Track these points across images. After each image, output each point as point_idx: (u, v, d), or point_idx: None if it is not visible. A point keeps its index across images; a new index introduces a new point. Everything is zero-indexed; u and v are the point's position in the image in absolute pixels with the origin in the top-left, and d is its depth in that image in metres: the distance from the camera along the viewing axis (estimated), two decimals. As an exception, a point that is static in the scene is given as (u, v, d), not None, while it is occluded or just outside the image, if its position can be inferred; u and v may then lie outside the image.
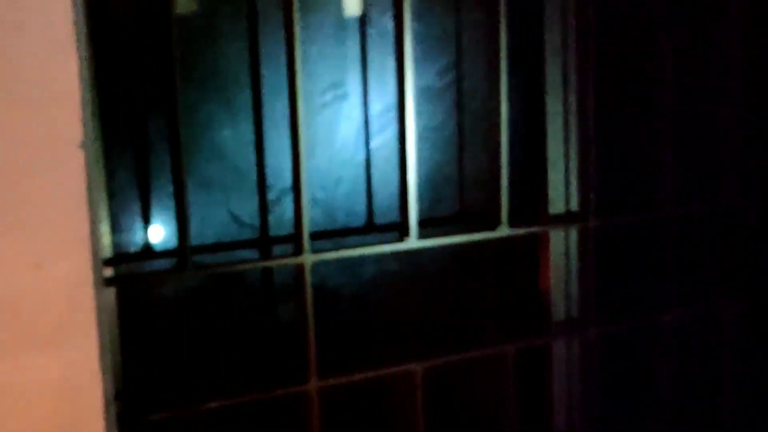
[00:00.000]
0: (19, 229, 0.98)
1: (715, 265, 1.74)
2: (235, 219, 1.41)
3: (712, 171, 1.70)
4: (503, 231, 1.50)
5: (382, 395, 1.50)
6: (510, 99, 1.48)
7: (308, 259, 1.36)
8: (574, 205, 1.59)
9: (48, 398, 1.01)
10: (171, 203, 1.34)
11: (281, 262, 1.37)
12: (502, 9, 1.46)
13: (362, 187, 1.48)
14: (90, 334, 1.02)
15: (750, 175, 1.69)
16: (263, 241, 1.43)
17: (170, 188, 1.33)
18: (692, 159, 1.68)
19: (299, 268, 1.36)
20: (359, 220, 1.49)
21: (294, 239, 1.37)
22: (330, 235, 1.46)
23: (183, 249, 1.29)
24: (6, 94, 0.96)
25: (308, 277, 1.36)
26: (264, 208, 1.43)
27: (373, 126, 1.49)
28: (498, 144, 1.49)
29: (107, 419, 1.05)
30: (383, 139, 1.49)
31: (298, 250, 1.36)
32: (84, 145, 1.00)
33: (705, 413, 1.76)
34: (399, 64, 1.42)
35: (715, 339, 1.73)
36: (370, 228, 1.49)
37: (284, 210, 1.43)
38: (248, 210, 1.42)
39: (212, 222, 1.40)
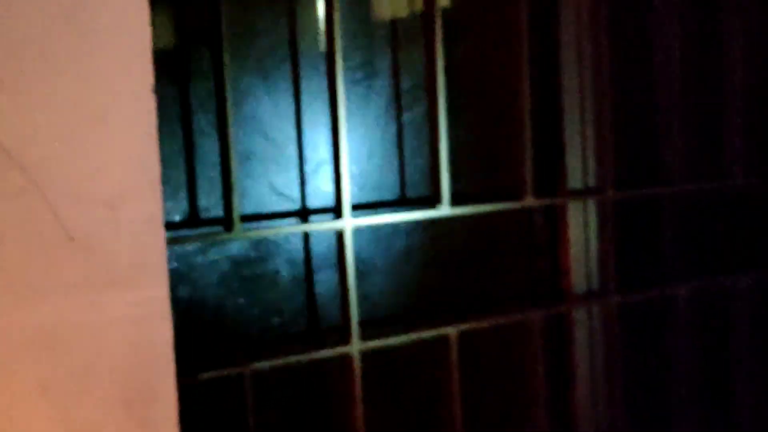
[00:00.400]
0: (94, 170, 1.02)
1: (729, 239, 1.81)
2: (274, 190, 1.46)
3: (722, 148, 1.78)
4: (529, 201, 1.57)
5: (418, 358, 1.53)
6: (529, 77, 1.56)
7: (349, 223, 1.41)
8: (592, 180, 1.66)
9: (121, 336, 1.03)
10: (214, 173, 1.39)
11: (323, 226, 1.42)
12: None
13: (394, 161, 1.53)
14: (160, 276, 1.06)
15: (759, 153, 1.78)
16: (302, 211, 1.47)
17: (213, 158, 1.38)
18: (703, 137, 1.77)
19: (340, 234, 1.42)
20: (391, 194, 1.54)
21: (334, 207, 1.43)
22: (364, 208, 1.50)
23: (229, 211, 1.34)
24: (82, 40, 1.01)
25: (349, 241, 1.41)
26: (302, 179, 1.47)
27: (403, 102, 1.55)
28: (521, 120, 1.57)
29: (176, 361, 1.08)
30: (411, 116, 1.55)
31: (339, 215, 1.41)
32: (155, 90, 1.05)
33: (720, 381, 1.82)
34: (428, 43, 1.49)
35: (727, 310, 1.80)
36: (403, 201, 1.54)
37: (320, 182, 1.48)
38: (286, 182, 1.46)
39: (252, 194, 1.44)
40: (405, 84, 1.54)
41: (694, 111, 1.76)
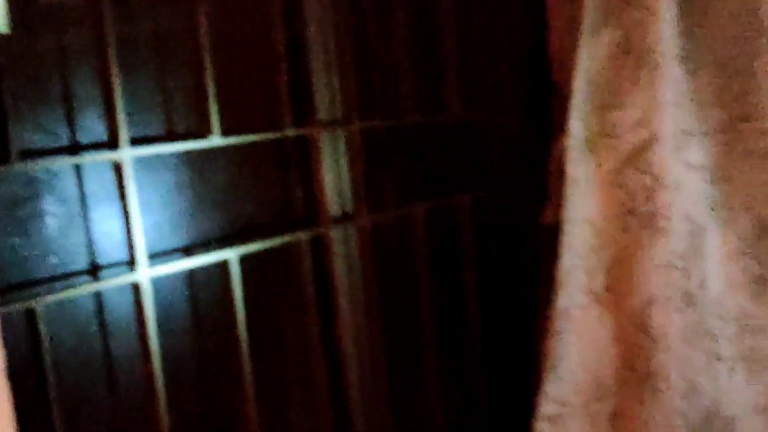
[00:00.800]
0: None
1: (451, 163, 2.09)
2: (42, 128, 1.45)
3: (444, 86, 2.06)
4: (289, 131, 1.72)
5: (204, 285, 1.61)
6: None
7: (126, 154, 1.45)
8: (340, 113, 1.84)
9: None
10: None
11: (101, 157, 1.45)
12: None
13: (160, 97, 1.58)
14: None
15: (473, 90, 2.09)
16: (74, 147, 1.47)
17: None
18: (428, 76, 2.02)
19: (118, 166, 1.45)
20: (159, 129, 1.59)
21: (109, 141, 1.46)
22: (134, 143, 1.54)
23: (5, 144, 1.33)
24: None
25: (129, 172, 1.45)
26: (72, 117, 1.47)
27: (168, 41, 1.60)
28: (277, 58, 1.71)
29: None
30: (177, 54, 1.61)
31: (115, 146, 1.44)
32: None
33: (451, 285, 2.10)
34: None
35: (453, 225, 2.09)
36: (171, 135, 1.59)
37: (87, 120, 1.49)
38: (54, 119, 1.46)
39: (19, 133, 1.42)
40: (167, 23, 1.60)
41: (420, 53, 2.01)
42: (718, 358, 1.82)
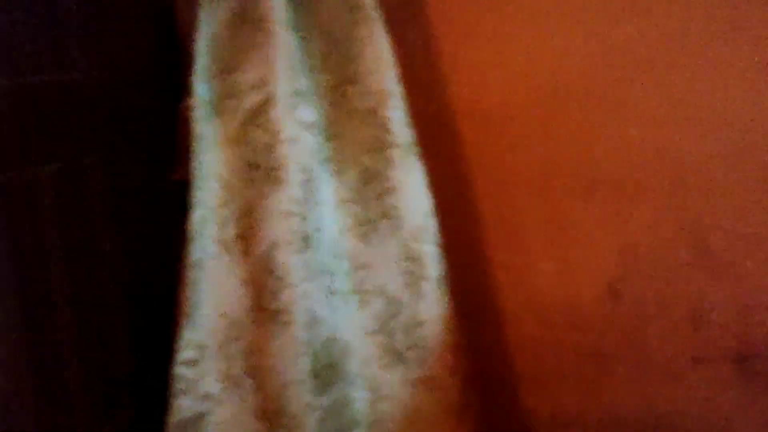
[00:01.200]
0: None
1: (81, 125, 2.09)
2: None
3: (66, 45, 2.05)
4: None
5: None
6: None
7: None
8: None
9: None
10: None
11: None
12: None
13: None
14: None
15: (101, 49, 2.11)
16: None
17: None
18: (49, 33, 2.00)
19: None
20: None
21: None
22: None
23: None
24: None
25: None
26: None
27: None
28: None
29: None
30: None
31: None
32: None
33: (88, 246, 2.12)
34: None
35: (85, 186, 2.11)
36: None
37: None
38: None
39: None
40: None
41: (41, 11, 1.98)
42: (334, 292, 2.09)
